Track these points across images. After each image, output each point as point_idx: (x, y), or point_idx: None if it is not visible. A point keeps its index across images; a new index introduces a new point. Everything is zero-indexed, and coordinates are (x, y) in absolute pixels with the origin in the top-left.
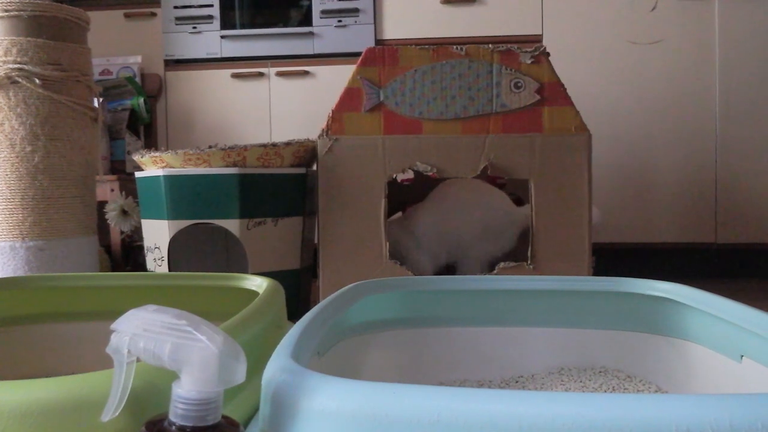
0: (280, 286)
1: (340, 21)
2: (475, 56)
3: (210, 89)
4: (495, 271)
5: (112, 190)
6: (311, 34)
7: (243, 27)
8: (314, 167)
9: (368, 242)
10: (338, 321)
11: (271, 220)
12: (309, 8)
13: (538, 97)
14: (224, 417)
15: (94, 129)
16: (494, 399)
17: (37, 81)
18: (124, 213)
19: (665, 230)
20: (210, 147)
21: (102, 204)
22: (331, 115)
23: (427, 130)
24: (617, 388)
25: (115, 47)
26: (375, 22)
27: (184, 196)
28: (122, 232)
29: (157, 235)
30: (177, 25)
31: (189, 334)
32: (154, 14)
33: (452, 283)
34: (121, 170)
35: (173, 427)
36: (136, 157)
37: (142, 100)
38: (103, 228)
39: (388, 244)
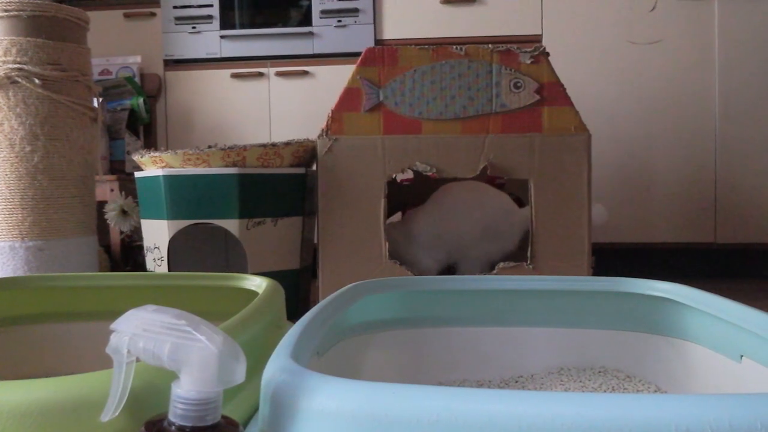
0: (279, 286)
1: (339, 21)
2: (474, 56)
3: (209, 89)
4: (494, 271)
5: (112, 190)
6: (311, 34)
7: (242, 27)
8: (314, 167)
9: (368, 242)
10: (338, 321)
11: (270, 220)
12: (309, 8)
13: (537, 97)
14: (224, 417)
15: (94, 129)
16: (494, 399)
17: (37, 81)
18: (124, 213)
19: (665, 230)
20: (209, 147)
21: (101, 204)
22: (330, 115)
23: (427, 130)
24: (617, 388)
25: (114, 47)
26: (375, 22)
27: (184, 196)
28: (122, 232)
29: (157, 235)
30: (176, 25)
31: (188, 334)
32: (153, 14)
33: (452, 283)
34: (121, 170)
35: (173, 427)
36: (136, 157)
37: (141, 100)
38: (102, 228)
39: (387, 244)
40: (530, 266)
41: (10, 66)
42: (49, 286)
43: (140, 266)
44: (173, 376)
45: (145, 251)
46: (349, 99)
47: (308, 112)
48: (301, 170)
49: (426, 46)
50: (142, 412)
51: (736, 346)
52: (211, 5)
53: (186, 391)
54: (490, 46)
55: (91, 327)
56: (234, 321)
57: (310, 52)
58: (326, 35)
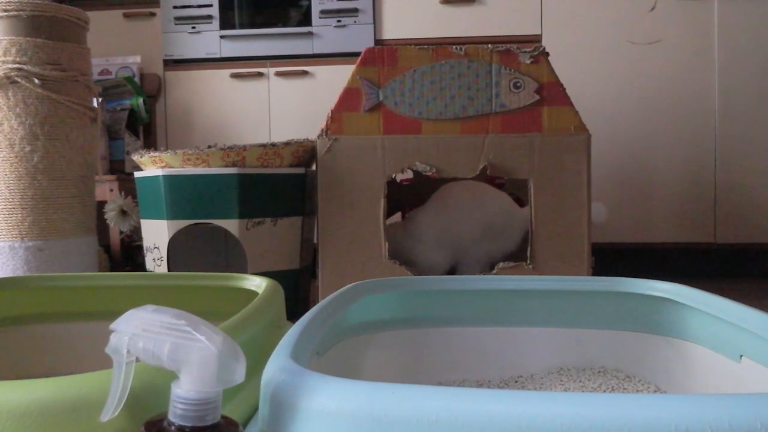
0: (279, 286)
1: (339, 21)
2: (474, 56)
3: (209, 89)
4: (494, 271)
5: (111, 190)
6: (310, 34)
7: (242, 27)
8: (313, 167)
9: (368, 242)
10: (337, 321)
11: (270, 220)
12: (308, 8)
13: (537, 97)
14: (223, 417)
15: (93, 129)
16: (493, 399)
17: (36, 81)
18: (124, 213)
19: (664, 230)
20: (209, 147)
21: (101, 204)
22: (330, 115)
23: (427, 130)
24: (616, 388)
25: (114, 47)
26: (374, 22)
27: (184, 196)
28: (121, 232)
29: (157, 235)
30: (176, 25)
31: (188, 334)
32: (153, 14)
33: (451, 283)
34: (121, 170)
35: (172, 427)
36: (136, 157)
37: (141, 100)
38: (102, 228)
39: (387, 244)
40: (530, 266)
41: (10, 66)
42: (49, 286)
43: (140, 266)
44: (173, 376)
45: (145, 251)
46: (348, 99)
47: (308, 112)
48: (300, 170)
49: (426, 46)
50: (142, 412)
51: (735, 346)
52: (211, 5)
53: (186, 391)
54: (489, 46)
55: (90, 327)
56: (234, 321)
57: (310, 52)
58: (326, 35)
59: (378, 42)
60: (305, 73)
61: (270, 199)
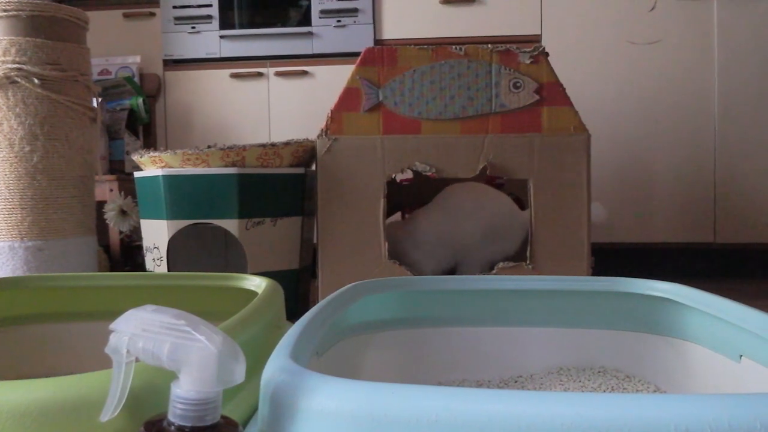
0: (279, 286)
1: (339, 21)
2: (474, 56)
3: (209, 89)
4: (494, 271)
5: (111, 190)
6: (310, 34)
7: (242, 27)
8: (313, 167)
9: (367, 242)
10: (337, 321)
11: (270, 220)
12: (308, 8)
13: (537, 97)
14: (223, 417)
15: (93, 129)
16: (493, 399)
17: (36, 81)
18: (123, 213)
19: (664, 230)
20: (209, 147)
21: (101, 204)
22: (330, 115)
23: (426, 130)
24: (616, 388)
25: (114, 47)
26: (374, 22)
27: (183, 196)
28: (121, 232)
29: (156, 235)
30: (176, 25)
31: (188, 334)
32: (153, 14)
33: (451, 283)
34: (120, 170)
35: (172, 427)
36: (135, 157)
37: (141, 100)
38: (102, 228)
39: (387, 244)
40: (530, 266)
41: (10, 66)
42: (49, 286)
43: (139, 266)
44: (173, 376)
45: (145, 251)
46: (348, 99)
47: (307, 112)
48: (300, 170)
49: (425, 46)
50: (142, 412)
51: (735, 346)
52: (211, 5)
53: (185, 391)
54: (489, 46)
55: (90, 327)
56: (233, 321)
57: (310, 52)
58: (325, 35)
59: (378, 42)
60: (305, 73)
61: (270, 199)
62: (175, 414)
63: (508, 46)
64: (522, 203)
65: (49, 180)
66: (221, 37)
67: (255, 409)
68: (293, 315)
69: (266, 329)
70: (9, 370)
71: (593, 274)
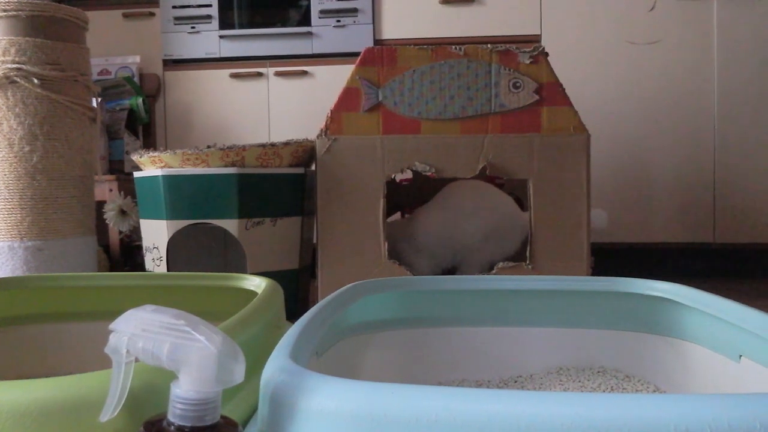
0: (278, 286)
1: (338, 21)
2: (473, 56)
3: (209, 89)
4: (494, 271)
5: (111, 190)
6: (310, 34)
7: (241, 27)
8: (313, 167)
9: (367, 242)
10: (337, 321)
11: (269, 220)
12: (308, 8)
13: (536, 97)
14: (223, 417)
15: (93, 129)
16: (493, 399)
17: (36, 81)
18: (123, 213)
19: (664, 230)
20: (208, 147)
21: (100, 204)
22: (329, 115)
23: (426, 130)
24: (616, 387)
25: (113, 47)
26: (374, 22)
27: (183, 196)
28: (121, 232)
29: (156, 235)
30: (175, 25)
31: (187, 334)
32: (152, 14)
33: (451, 283)
34: (120, 170)
35: (172, 427)
36: (135, 157)
37: (140, 99)
38: (101, 228)
39: (386, 244)
40: (529, 266)
41: (9, 66)
42: (48, 286)
43: (139, 266)
44: (172, 376)
45: (144, 251)
46: (348, 99)
47: (307, 112)
48: (300, 170)
49: (425, 46)
50: (141, 412)
51: (735, 346)
52: (210, 5)
53: (185, 391)
54: (489, 46)
55: (90, 327)
56: (233, 321)
57: (309, 52)
58: (325, 35)
59: (377, 42)
60: (305, 73)
61: (269, 199)
62: (174, 414)
63: (507, 46)
64: (522, 203)
65: (49, 180)
66: (221, 37)
67: (255, 409)
68: (293, 315)
69: (266, 329)
70: (9, 370)
71: (593, 274)
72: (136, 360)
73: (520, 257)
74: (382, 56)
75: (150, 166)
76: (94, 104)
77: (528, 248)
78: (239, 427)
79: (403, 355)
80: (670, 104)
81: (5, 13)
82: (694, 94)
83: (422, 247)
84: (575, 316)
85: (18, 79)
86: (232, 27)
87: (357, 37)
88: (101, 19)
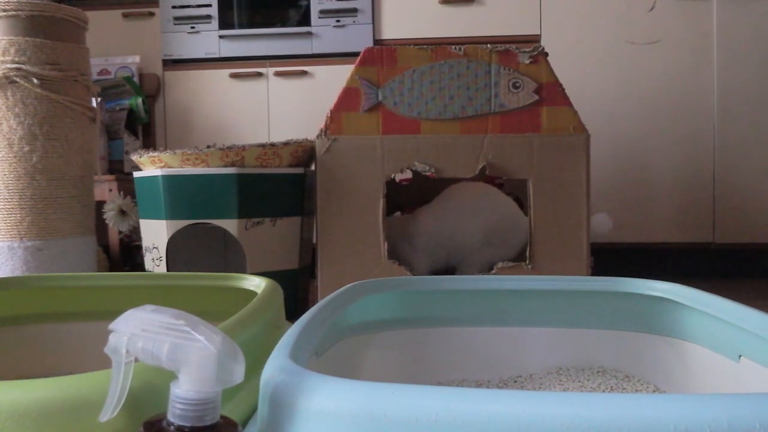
0: (278, 286)
1: (338, 21)
2: (473, 56)
3: (208, 89)
4: (493, 271)
5: (110, 190)
6: (309, 34)
7: (241, 27)
8: (312, 167)
9: (366, 242)
10: (337, 321)
11: (269, 220)
12: (307, 8)
13: (536, 97)
14: (222, 417)
15: (92, 129)
16: (492, 399)
17: (35, 81)
18: (123, 213)
19: (663, 230)
20: (208, 147)
21: (100, 204)
22: (329, 115)
23: (426, 130)
24: (615, 387)
25: (113, 47)
26: (373, 22)
27: (183, 196)
28: (120, 232)
29: (156, 235)
30: (175, 25)
31: (187, 334)
32: (152, 14)
33: (451, 283)
34: (120, 170)
35: (171, 427)
36: (135, 157)
37: (140, 99)
38: (101, 228)
39: (386, 243)
40: (529, 266)
41: (9, 66)
42: (48, 286)
43: (139, 266)
44: (172, 376)
45: (144, 251)
46: (347, 99)
47: (307, 112)
48: (299, 170)
49: (425, 46)
50: (141, 412)
51: (734, 346)
52: (210, 5)
53: (185, 391)
54: (488, 46)
55: (90, 327)
56: (233, 321)
57: (309, 52)
58: (325, 35)
59: (377, 42)
60: (304, 73)
61: (269, 199)
62: (174, 414)
63: (507, 46)
64: (522, 203)
65: (49, 180)
66: (220, 37)
67: (254, 409)
68: (293, 315)
69: (265, 329)
70: (9, 370)
71: (593, 274)
72: (136, 360)
73: (519, 256)
74: (381, 56)
75: (150, 166)
76: (94, 104)
77: (528, 248)
78: (239, 427)
79: (403, 355)
80: (669, 104)
81: (5, 13)
82: (693, 94)
83: (422, 247)
84: (575, 316)
85: (18, 79)
86: (231, 27)
87: (357, 37)
88: (101, 19)
